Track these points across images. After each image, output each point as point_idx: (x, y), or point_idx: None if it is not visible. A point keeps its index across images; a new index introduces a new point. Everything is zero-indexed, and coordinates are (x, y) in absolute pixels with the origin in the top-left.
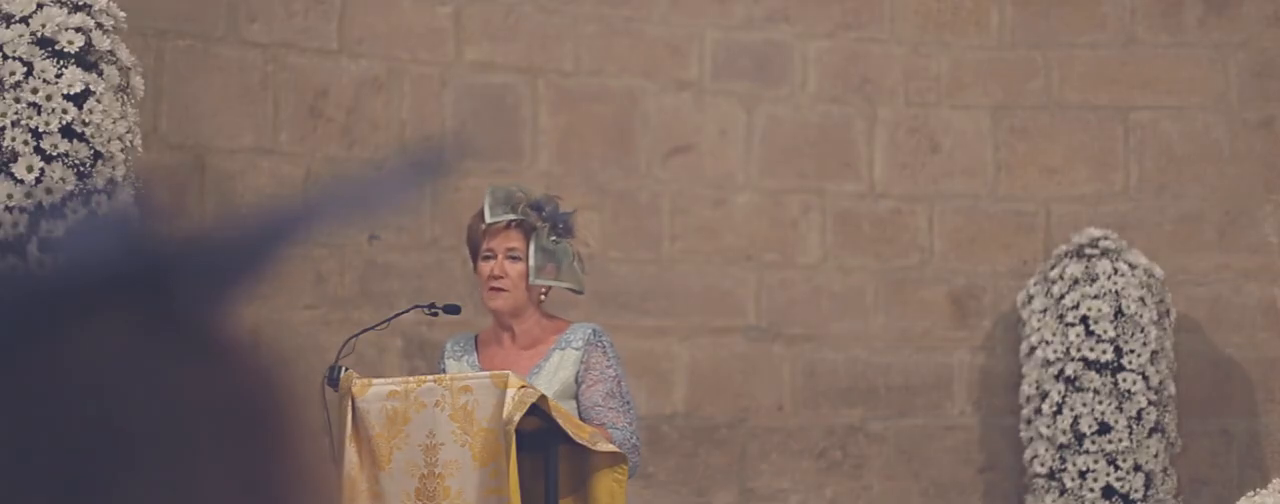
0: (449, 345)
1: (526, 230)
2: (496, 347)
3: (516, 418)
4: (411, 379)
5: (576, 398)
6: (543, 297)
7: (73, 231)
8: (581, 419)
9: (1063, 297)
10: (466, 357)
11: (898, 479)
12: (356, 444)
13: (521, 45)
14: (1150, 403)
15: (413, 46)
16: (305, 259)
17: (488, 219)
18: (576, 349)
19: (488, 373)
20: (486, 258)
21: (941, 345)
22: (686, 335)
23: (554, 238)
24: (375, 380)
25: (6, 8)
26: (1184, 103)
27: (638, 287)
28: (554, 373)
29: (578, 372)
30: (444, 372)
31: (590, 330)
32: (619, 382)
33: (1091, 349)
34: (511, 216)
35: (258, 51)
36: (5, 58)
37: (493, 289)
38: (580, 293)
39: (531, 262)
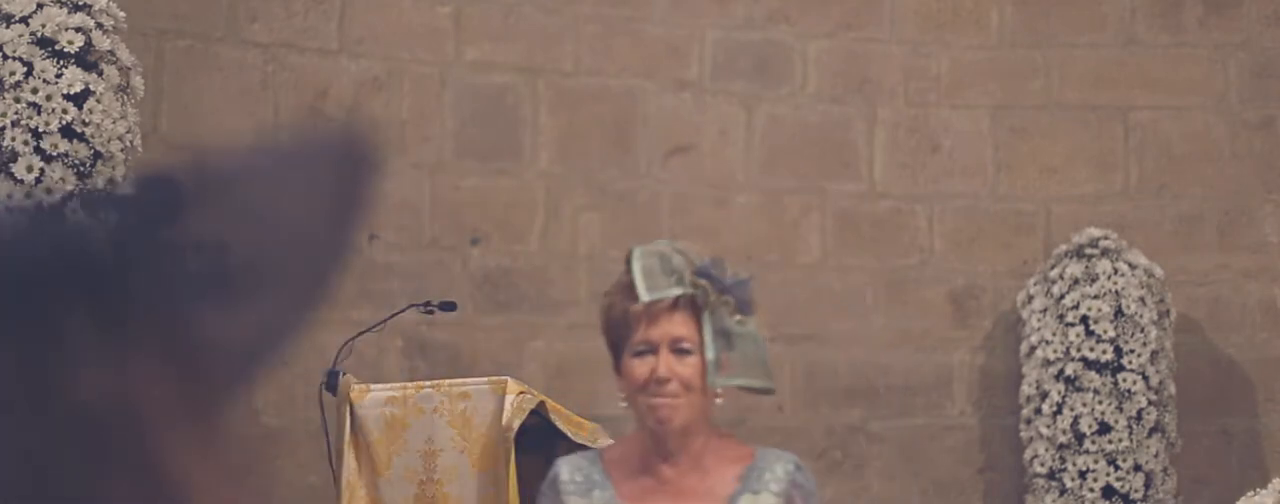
0: (565, 474)
1: (697, 310)
2: (648, 478)
3: (516, 425)
4: (409, 385)
5: None
6: (718, 400)
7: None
8: None
9: (1063, 296)
10: (597, 491)
11: (898, 479)
12: (355, 450)
13: (521, 45)
14: (1150, 403)
15: (413, 46)
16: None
17: (643, 296)
18: (775, 495)
19: (486, 379)
20: (641, 353)
21: (941, 345)
22: None
23: (738, 318)
24: (373, 386)
25: (6, 8)
26: (1184, 103)
27: None
28: None
29: None
30: None
31: (791, 466)
32: None
33: (1091, 349)
34: (677, 291)
35: (258, 51)
36: (5, 58)
37: (658, 398)
38: (771, 392)
39: (709, 354)
